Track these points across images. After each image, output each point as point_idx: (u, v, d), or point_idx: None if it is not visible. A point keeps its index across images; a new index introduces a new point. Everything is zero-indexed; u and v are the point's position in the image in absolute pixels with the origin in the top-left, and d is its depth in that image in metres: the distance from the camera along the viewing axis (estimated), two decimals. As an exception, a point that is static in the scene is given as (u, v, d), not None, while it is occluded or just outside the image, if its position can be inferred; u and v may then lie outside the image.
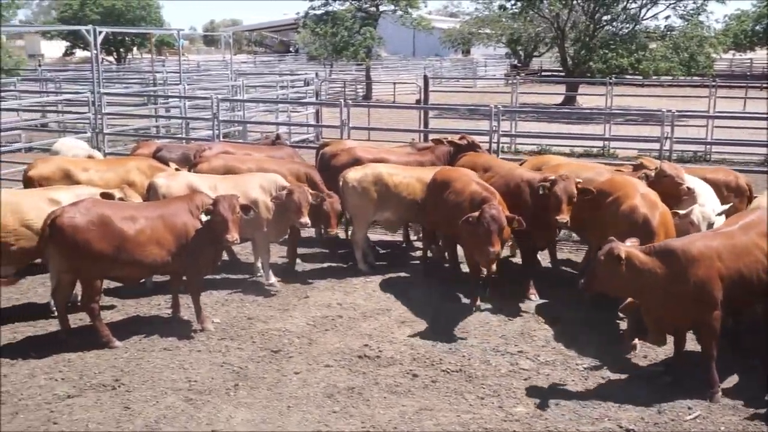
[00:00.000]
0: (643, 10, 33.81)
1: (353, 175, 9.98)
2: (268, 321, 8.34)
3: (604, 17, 33.81)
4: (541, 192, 8.68)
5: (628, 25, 33.75)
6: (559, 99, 32.60)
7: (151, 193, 9.21)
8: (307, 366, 7.20)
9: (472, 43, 48.24)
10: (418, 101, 23.07)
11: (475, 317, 8.45)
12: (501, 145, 13.87)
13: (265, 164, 10.38)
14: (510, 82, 30.18)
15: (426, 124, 18.31)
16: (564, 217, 8.49)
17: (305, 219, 8.94)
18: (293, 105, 23.06)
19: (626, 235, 6.95)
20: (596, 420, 6.25)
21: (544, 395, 6.66)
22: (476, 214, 8.12)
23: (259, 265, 9.67)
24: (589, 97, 30.50)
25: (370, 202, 9.89)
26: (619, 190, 8.34)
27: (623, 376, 7.05)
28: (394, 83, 32.51)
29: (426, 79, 19.70)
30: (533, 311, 8.67)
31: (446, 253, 10.17)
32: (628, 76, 33.42)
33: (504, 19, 40.17)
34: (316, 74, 26.16)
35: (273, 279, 9.46)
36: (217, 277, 9.50)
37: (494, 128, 13.16)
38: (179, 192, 9.00)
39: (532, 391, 6.73)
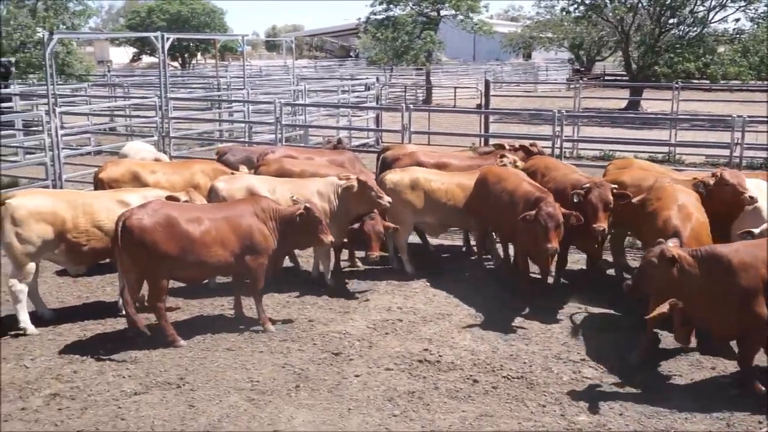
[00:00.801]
0: (711, 13, 32.97)
1: (391, 177, 10.06)
2: (328, 323, 8.40)
3: (670, 20, 33.07)
4: (575, 200, 8.55)
5: (695, 29, 32.94)
6: (623, 104, 32.03)
7: (212, 196, 9.38)
8: (367, 369, 7.23)
9: (533, 47, 47.73)
10: (478, 105, 23.03)
11: (537, 324, 8.36)
12: (563, 150, 13.67)
13: (321, 170, 10.45)
14: (572, 86, 29.75)
15: (486, 129, 18.21)
16: (601, 225, 8.36)
17: (388, 198, 9.10)
18: (354, 109, 23.20)
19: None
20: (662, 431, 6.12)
21: (607, 404, 6.54)
22: (533, 212, 8.15)
23: (322, 268, 9.74)
24: (653, 102, 29.92)
25: (407, 206, 9.91)
26: (658, 199, 8.13)
27: (690, 387, 6.88)
28: (455, 87, 32.46)
29: (487, 83, 19.62)
30: (589, 317, 8.54)
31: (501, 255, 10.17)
32: (695, 81, 32.64)
33: (566, 23, 39.69)
34: (377, 79, 26.28)
35: (332, 281, 9.53)
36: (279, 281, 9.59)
37: (557, 133, 13.00)
38: (239, 195, 9.16)
39: (595, 400, 6.61)
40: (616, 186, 8.66)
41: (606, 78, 47.67)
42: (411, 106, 15.38)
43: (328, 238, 8.26)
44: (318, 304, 9.03)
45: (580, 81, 31.21)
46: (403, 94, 33.66)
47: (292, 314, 8.68)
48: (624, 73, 37.90)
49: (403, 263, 10.16)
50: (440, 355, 7.53)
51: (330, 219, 9.06)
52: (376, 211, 9.32)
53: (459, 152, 12.70)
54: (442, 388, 6.84)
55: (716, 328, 6.66)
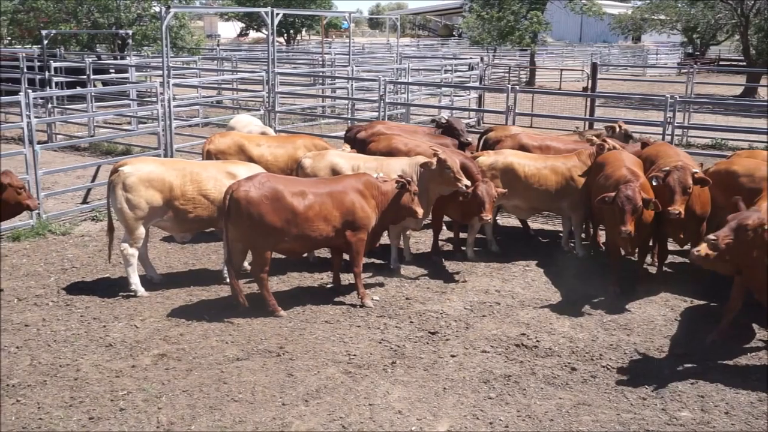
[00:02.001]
0: (840, -4, 31.01)
1: (484, 159, 9.95)
2: (425, 302, 8.42)
3: (795, 3, 31.30)
4: (654, 183, 8.35)
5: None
6: (738, 90, 30.58)
7: (299, 172, 9.53)
8: (463, 350, 7.21)
9: (643, 29, 46.05)
10: (584, 89, 22.45)
11: (639, 315, 8.13)
12: (674, 137, 13.18)
13: (419, 149, 10.39)
14: (684, 71, 28.58)
15: (592, 113, 17.73)
16: (677, 209, 8.08)
17: (466, 180, 8.85)
18: (457, 89, 23.03)
19: None
20: (770, 433, 5.87)
21: (712, 401, 6.31)
22: (612, 194, 8.11)
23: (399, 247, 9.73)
24: (772, 89, 28.44)
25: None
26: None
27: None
28: (561, 69, 31.73)
29: (595, 65, 19.05)
30: (694, 309, 8.24)
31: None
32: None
33: (680, 5, 38.11)
34: (481, 59, 25.98)
35: (398, 265, 9.52)
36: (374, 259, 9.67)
37: (668, 119, 12.53)
38: (322, 172, 9.30)
39: (699, 396, 6.40)
40: (696, 171, 8.36)
41: (720, 63, 45.61)
42: (516, 87, 15.13)
43: (420, 210, 8.27)
44: (416, 282, 9.06)
45: (693, 66, 29.96)
46: (506, 75, 33.18)
47: (390, 291, 8.74)
48: (741, 58, 36.11)
49: (492, 245, 10.23)
50: (538, 341, 7.43)
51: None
52: (488, 174, 9.51)
53: (565, 136, 12.43)
54: (539, 373, 6.76)
55: None
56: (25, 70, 21.00)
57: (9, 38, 30.18)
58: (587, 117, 17.26)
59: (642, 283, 8.91)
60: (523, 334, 7.58)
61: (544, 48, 45.97)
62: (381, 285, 8.93)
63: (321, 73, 24.91)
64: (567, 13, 41.79)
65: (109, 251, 8.79)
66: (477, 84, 22.59)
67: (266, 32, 28.95)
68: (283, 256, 8.73)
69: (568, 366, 6.92)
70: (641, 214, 8.21)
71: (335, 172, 9.33)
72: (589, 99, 18.52)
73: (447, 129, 11.45)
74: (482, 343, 7.38)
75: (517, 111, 13.85)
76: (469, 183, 8.86)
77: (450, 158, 8.83)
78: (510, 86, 14.04)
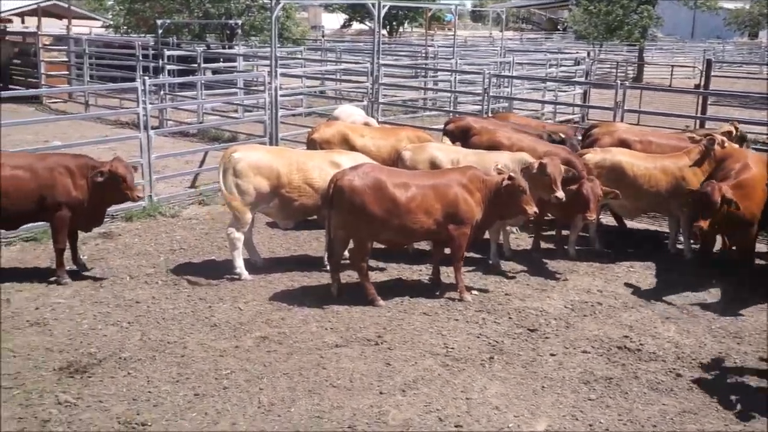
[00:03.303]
0: None
1: (591, 157, 9.70)
2: (525, 299, 8.31)
3: None
4: None
5: None
6: None
7: (398, 163, 9.54)
8: (563, 349, 7.08)
9: (762, 25, 43.91)
10: (696, 86, 21.61)
11: (751, 322, 7.79)
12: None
13: (522, 143, 10.23)
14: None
15: (704, 111, 17.02)
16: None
17: (561, 193, 8.59)
18: (561, 84, 22.59)
19: None
20: None
21: (829, 419, 5.99)
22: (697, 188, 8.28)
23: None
24: None
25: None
26: None
27: None
28: (672, 66, 30.65)
29: (709, 62, 18.29)
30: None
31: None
32: None
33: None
34: (588, 54, 25.39)
35: (498, 260, 9.38)
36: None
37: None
38: (422, 165, 9.28)
39: (814, 412, 6.08)
40: None
41: None
42: (626, 83, 14.70)
43: (532, 209, 8.12)
44: (515, 278, 8.96)
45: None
46: (613, 70, 32.31)
47: (489, 286, 8.67)
48: None
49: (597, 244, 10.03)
50: (641, 344, 7.22)
51: None
52: (594, 172, 9.33)
53: (673, 134, 12.01)
54: (642, 378, 6.56)
55: None
56: (141, 59, 21.87)
57: (125, 27, 31.44)
58: (698, 115, 16.60)
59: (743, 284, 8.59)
60: (626, 337, 7.38)
61: (653, 43, 44.45)
62: (480, 280, 8.87)
63: (424, 65, 24.89)
64: (679, 7, 40.31)
65: None
66: (582, 79, 22.08)
67: (370, 24, 29.17)
68: (384, 247, 8.79)
69: (673, 372, 6.69)
70: (724, 212, 8.02)
71: (434, 165, 9.32)
72: (701, 97, 17.80)
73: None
74: (583, 343, 7.23)
75: (625, 108, 13.46)
76: (562, 196, 8.59)
77: (552, 165, 8.62)
78: (619, 82, 13.66)
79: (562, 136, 11.06)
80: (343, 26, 66.16)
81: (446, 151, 9.66)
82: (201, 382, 6.27)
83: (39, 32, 25.24)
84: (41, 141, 15.39)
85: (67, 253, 8.58)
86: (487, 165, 8.86)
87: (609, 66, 33.63)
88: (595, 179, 9.06)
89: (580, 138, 11.45)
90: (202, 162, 13.19)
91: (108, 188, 8.29)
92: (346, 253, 8.35)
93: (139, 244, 9.88)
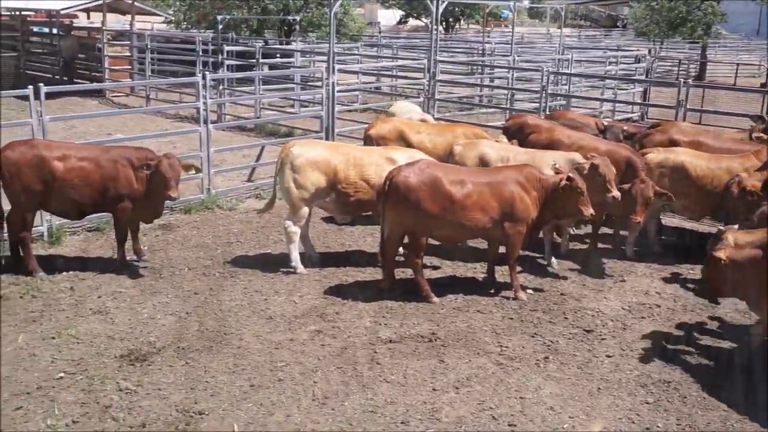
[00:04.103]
0: None
1: (654, 156, 9.53)
2: (581, 299, 8.21)
3: None
4: None
5: None
6: None
7: (449, 159, 9.51)
8: (620, 351, 6.98)
9: (832, 22, 42.43)
10: (762, 85, 21.03)
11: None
12: None
13: (582, 141, 10.07)
14: None
15: (770, 111, 16.59)
16: None
17: (616, 192, 8.48)
18: (621, 82, 22.21)
19: None
20: None
21: None
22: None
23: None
24: None
25: (665, 189, 9.19)
26: None
27: None
28: (737, 64, 29.85)
29: (776, 60, 17.77)
30: None
31: None
32: None
33: None
34: (649, 51, 24.89)
35: (554, 261, 9.28)
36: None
37: None
38: (471, 161, 9.27)
39: None
40: None
41: None
42: (689, 81, 14.38)
43: (588, 211, 8.01)
44: (571, 278, 8.85)
45: None
46: (673, 68, 31.63)
47: (544, 285, 8.59)
48: None
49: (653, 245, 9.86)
50: (700, 348, 7.06)
51: None
52: (656, 172, 9.19)
53: (726, 134, 11.72)
54: (701, 382, 6.43)
55: None
56: (200, 54, 22.22)
57: (186, 23, 31.96)
58: (763, 115, 16.13)
59: None
60: (684, 340, 7.23)
61: (717, 41, 43.33)
62: (535, 279, 8.79)
63: (481, 62, 24.72)
64: (746, 4, 39.15)
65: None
66: (643, 77, 21.66)
67: (426, 20, 29.11)
68: (438, 243, 8.77)
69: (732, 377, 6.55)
70: None
71: (484, 162, 9.27)
72: (767, 96, 17.33)
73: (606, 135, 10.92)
74: (640, 345, 7.11)
75: (687, 106, 13.17)
76: (618, 194, 8.47)
77: (604, 165, 8.48)
78: (681, 80, 13.36)
79: (628, 131, 10.86)
80: (400, 22, 66.14)
81: (497, 149, 9.59)
82: (257, 374, 6.36)
83: (103, 27, 25.80)
84: (104, 133, 15.78)
85: (128, 244, 8.78)
86: (538, 164, 8.78)
87: (670, 64, 32.92)
88: (648, 180, 8.89)
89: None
90: (259, 156, 13.35)
91: (151, 181, 8.40)
92: (401, 250, 8.36)
93: (197, 236, 10.05)
